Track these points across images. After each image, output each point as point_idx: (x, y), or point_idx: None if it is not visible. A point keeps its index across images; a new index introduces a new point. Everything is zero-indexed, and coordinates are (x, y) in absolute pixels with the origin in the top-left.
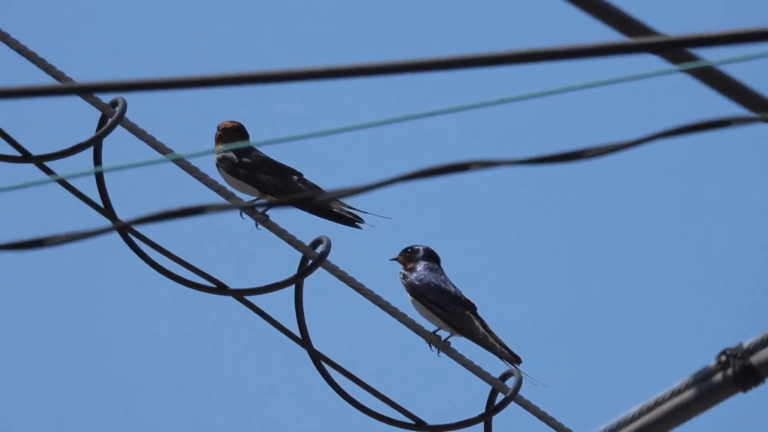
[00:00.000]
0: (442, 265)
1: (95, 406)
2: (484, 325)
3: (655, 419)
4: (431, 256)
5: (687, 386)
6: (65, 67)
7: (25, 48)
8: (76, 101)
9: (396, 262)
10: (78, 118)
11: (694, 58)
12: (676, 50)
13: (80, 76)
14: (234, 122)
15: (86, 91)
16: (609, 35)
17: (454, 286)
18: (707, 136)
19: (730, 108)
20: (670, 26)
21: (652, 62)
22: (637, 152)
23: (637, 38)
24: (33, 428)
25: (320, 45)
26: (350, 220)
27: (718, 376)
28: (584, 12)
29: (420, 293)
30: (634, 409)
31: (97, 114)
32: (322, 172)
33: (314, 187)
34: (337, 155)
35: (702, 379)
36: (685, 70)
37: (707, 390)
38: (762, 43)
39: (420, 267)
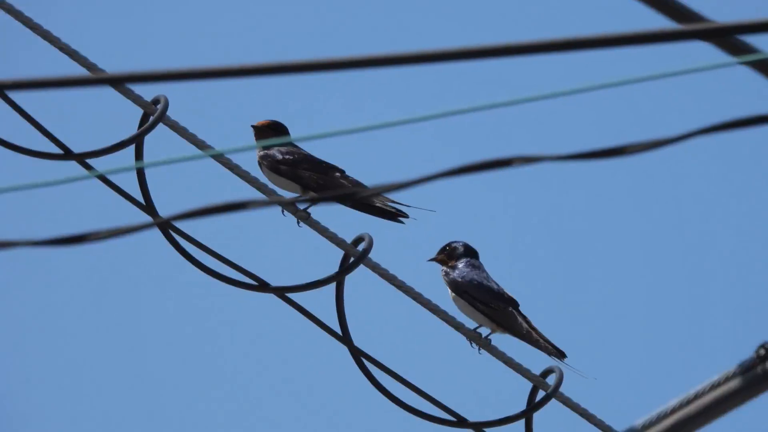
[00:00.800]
0: (483, 261)
1: (137, 400)
2: (528, 322)
3: (694, 412)
4: (472, 253)
5: (726, 379)
6: (107, 67)
7: (67, 46)
8: (117, 99)
9: (442, 268)
10: (120, 116)
11: (753, 51)
12: (728, 37)
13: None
14: (270, 120)
15: (126, 81)
16: (663, 23)
17: (496, 283)
18: (755, 132)
19: None
20: (724, 16)
21: (712, 54)
22: (683, 148)
23: (690, 25)
24: (89, 417)
25: (361, 36)
26: (393, 215)
27: (758, 369)
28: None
29: (463, 290)
30: (673, 402)
31: (139, 111)
32: (364, 169)
33: (357, 183)
34: (378, 151)
35: (741, 371)
36: (745, 62)
37: (747, 383)
38: None
39: (462, 264)
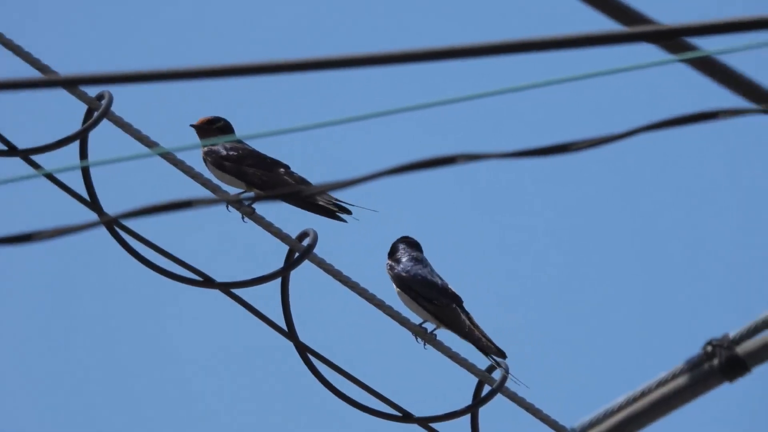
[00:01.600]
0: (429, 257)
1: (84, 397)
2: (470, 319)
3: (641, 409)
4: (415, 246)
5: (673, 376)
6: (50, 61)
7: (10, 41)
8: (63, 95)
9: (386, 261)
10: (64, 112)
11: (692, 48)
12: (673, 39)
13: (65, 69)
14: (210, 117)
15: (72, 84)
16: (606, 24)
17: (441, 279)
18: (700, 126)
19: (728, 98)
20: (667, 16)
21: (651, 52)
22: (626, 145)
23: (635, 27)
24: (26, 421)
25: (304, 35)
26: (336, 214)
27: (705, 367)
28: (582, 1)
29: (407, 285)
30: (620, 399)
31: (83, 107)
32: (309, 165)
33: (301, 180)
34: (324, 148)
35: (688, 369)
36: (684, 60)
37: (694, 380)
38: (761, 32)
39: (406, 258)
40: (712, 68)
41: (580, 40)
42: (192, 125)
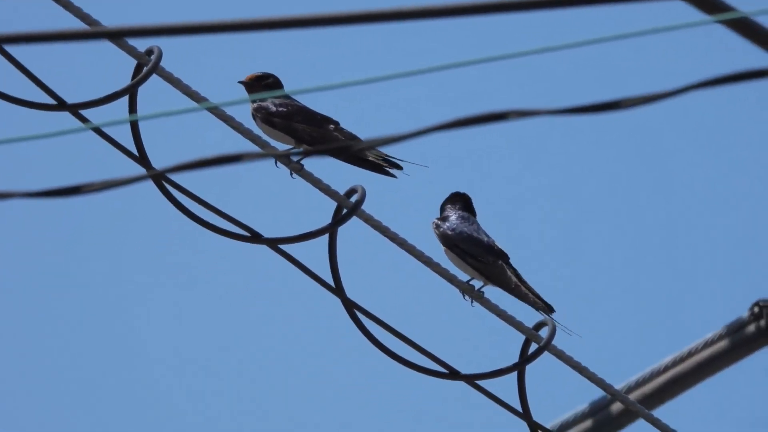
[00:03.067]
0: (479, 213)
1: (131, 354)
2: (517, 275)
3: (688, 370)
4: (464, 202)
5: (720, 337)
6: (101, 17)
7: None
8: (112, 50)
9: (433, 220)
10: (113, 67)
11: (728, 9)
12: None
13: (115, 23)
14: (262, 72)
15: (120, 36)
16: None
17: (487, 236)
18: (748, 88)
19: (765, 59)
20: None
21: (687, 12)
22: (674, 103)
23: None
24: (74, 372)
25: None
26: (386, 169)
27: (751, 327)
28: None
29: (452, 242)
30: (667, 359)
31: (133, 62)
32: (359, 121)
33: (351, 137)
34: (373, 104)
35: (735, 330)
36: (720, 20)
37: (740, 341)
38: None
39: (453, 216)
40: (749, 29)
41: None
42: (240, 81)
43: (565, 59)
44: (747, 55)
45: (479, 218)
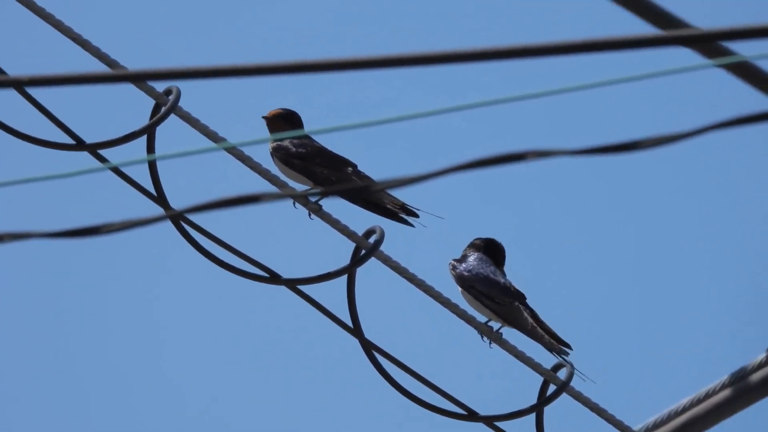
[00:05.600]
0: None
1: (147, 392)
2: (534, 316)
3: (704, 411)
4: (486, 249)
5: (736, 379)
6: (119, 56)
7: (78, 36)
8: (130, 90)
9: (449, 261)
10: (132, 107)
11: (729, 53)
12: (709, 43)
13: (133, 65)
14: (284, 109)
15: (140, 79)
16: (643, 28)
17: (505, 277)
18: (755, 131)
19: (765, 103)
20: (705, 20)
21: (688, 56)
22: (695, 144)
23: (671, 31)
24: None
25: (369, 35)
26: (403, 217)
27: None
28: (621, 6)
29: (469, 284)
30: (684, 400)
31: (151, 102)
32: (375, 163)
33: (368, 180)
34: (390, 146)
35: (751, 372)
36: (721, 65)
37: (756, 383)
38: None
39: (470, 258)
40: (749, 73)
41: (621, 42)
42: (263, 117)
43: (563, 102)
44: (747, 99)
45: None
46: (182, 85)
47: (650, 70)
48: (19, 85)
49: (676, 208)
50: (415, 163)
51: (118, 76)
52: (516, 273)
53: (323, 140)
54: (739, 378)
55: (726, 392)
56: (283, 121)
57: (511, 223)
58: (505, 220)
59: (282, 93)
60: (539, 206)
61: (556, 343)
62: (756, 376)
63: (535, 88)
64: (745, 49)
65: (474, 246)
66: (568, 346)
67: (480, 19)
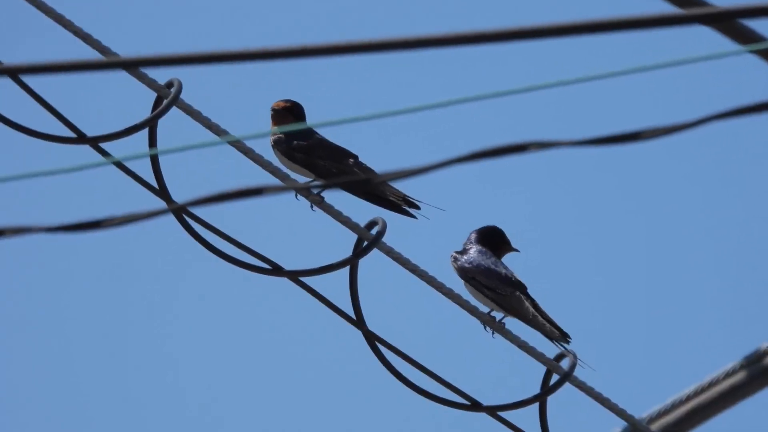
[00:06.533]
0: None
1: (150, 386)
2: (535, 305)
3: (709, 400)
4: (487, 239)
5: (740, 367)
6: (119, 47)
7: (80, 30)
8: (132, 83)
9: (451, 253)
10: (133, 100)
11: (761, 39)
12: (728, 22)
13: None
14: (288, 101)
15: (139, 65)
16: (664, 7)
17: (505, 267)
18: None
19: None
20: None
21: (718, 42)
22: (697, 134)
23: (690, 9)
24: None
25: (375, 19)
26: (405, 209)
27: None
28: None
29: (470, 276)
30: (688, 389)
31: (153, 95)
32: (378, 155)
33: (369, 171)
34: (390, 138)
35: (755, 360)
36: (753, 50)
37: (762, 370)
38: None
39: (471, 250)
40: None
41: (642, 21)
42: (272, 108)
43: (585, 91)
44: None
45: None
46: (183, 76)
47: (676, 57)
48: (14, 73)
49: (679, 196)
50: (419, 155)
51: (114, 63)
52: (518, 263)
53: (325, 132)
54: (743, 366)
55: (729, 381)
56: (290, 113)
57: (514, 213)
58: (508, 211)
59: (283, 84)
60: (542, 197)
61: (557, 332)
62: (761, 365)
63: (543, 78)
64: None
65: (474, 236)
66: (568, 335)
67: (482, 16)
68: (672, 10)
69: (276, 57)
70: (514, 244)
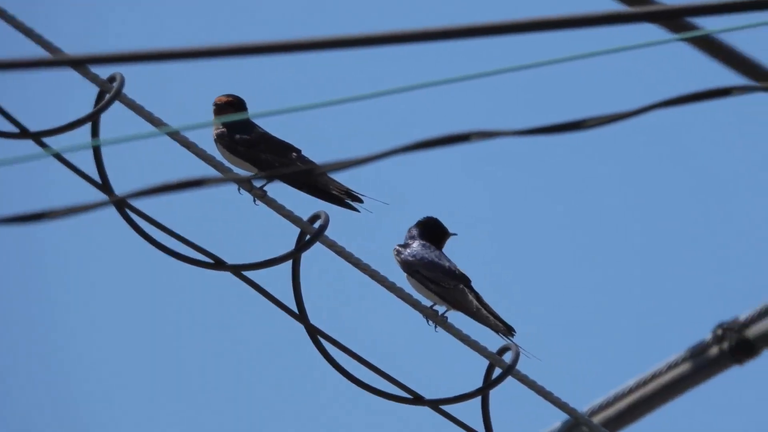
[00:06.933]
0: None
1: (90, 381)
2: (479, 298)
3: (652, 392)
4: (428, 231)
5: (683, 359)
6: (63, 44)
7: (22, 24)
8: (74, 77)
9: (394, 246)
10: (76, 95)
11: (693, 28)
12: (675, 19)
13: (77, 51)
14: (230, 95)
15: (83, 63)
16: (609, 5)
17: (449, 260)
18: (707, 106)
19: (729, 77)
20: None
21: (652, 32)
22: (637, 122)
23: (636, 7)
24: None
25: (317, 16)
26: (348, 203)
27: (714, 350)
28: None
29: (413, 269)
30: (630, 382)
31: (95, 89)
32: (320, 147)
33: (312, 165)
34: (333, 128)
35: (698, 352)
36: (685, 39)
37: (703, 363)
38: (760, 12)
39: (414, 243)
40: (713, 47)
41: (586, 20)
42: (214, 103)
43: (526, 79)
44: (713, 73)
45: (455, 239)
46: (126, 70)
47: (614, 45)
48: None
49: (621, 186)
50: (360, 147)
51: (61, 60)
52: (461, 256)
53: (266, 124)
54: (685, 359)
55: (671, 374)
56: (232, 108)
57: (456, 204)
58: (449, 203)
59: (226, 79)
60: (484, 187)
61: (501, 325)
62: (702, 358)
63: (483, 67)
64: (708, 24)
65: (416, 229)
66: (512, 329)
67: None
68: (618, 7)
69: (217, 55)
70: (451, 229)
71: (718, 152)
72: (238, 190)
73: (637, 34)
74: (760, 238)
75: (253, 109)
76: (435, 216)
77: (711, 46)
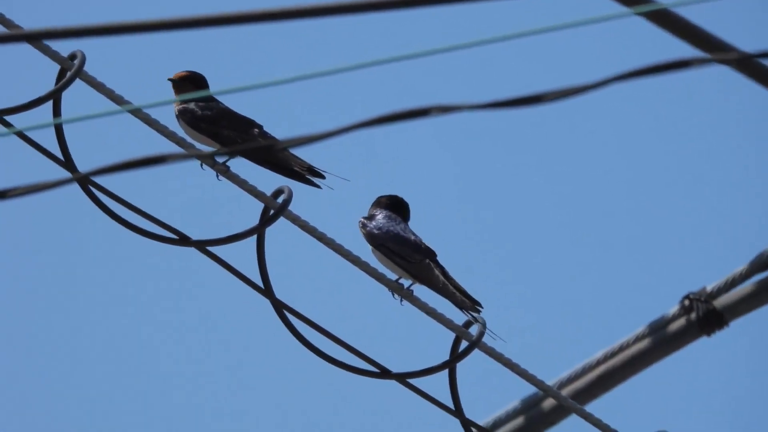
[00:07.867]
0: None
1: (58, 359)
2: (445, 273)
3: (619, 364)
4: (393, 205)
5: (651, 331)
6: (22, 20)
7: None
8: (35, 55)
9: (359, 219)
10: (37, 73)
11: (649, 1)
12: None
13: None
14: (188, 71)
15: (40, 38)
16: None
17: (414, 234)
18: (664, 80)
19: (684, 50)
20: None
21: (609, 6)
22: (597, 96)
23: None
24: None
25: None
26: (309, 179)
27: (682, 321)
28: None
29: (379, 242)
30: (598, 354)
31: (56, 67)
32: (279, 123)
33: (274, 140)
34: (294, 103)
35: (666, 323)
36: (641, 12)
37: (671, 335)
38: None
39: (379, 216)
40: (669, 21)
41: None
42: (169, 79)
43: (482, 53)
44: (668, 46)
45: (414, 216)
46: (87, 48)
47: (566, 20)
48: None
49: (587, 159)
50: (321, 122)
51: (17, 35)
52: (422, 232)
53: (228, 100)
54: (653, 330)
55: (639, 345)
56: (190, 83)
57: (418, 180)
58: (412, 179)
59: (187, 56)
60: (446, 163)
61: (467, 301)
62: (670, 329)
63: (442, 42)
64: None
65: (380, 203)
66: (478, 304)
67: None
68: None
69: (176, 27)
70: (415, 212)
71: (679, 124)
72: (201, 166)
73: (595, 8)
74: (726, 207)
75: (215, 85)
76: (403, 198)
77: (667, 19)
